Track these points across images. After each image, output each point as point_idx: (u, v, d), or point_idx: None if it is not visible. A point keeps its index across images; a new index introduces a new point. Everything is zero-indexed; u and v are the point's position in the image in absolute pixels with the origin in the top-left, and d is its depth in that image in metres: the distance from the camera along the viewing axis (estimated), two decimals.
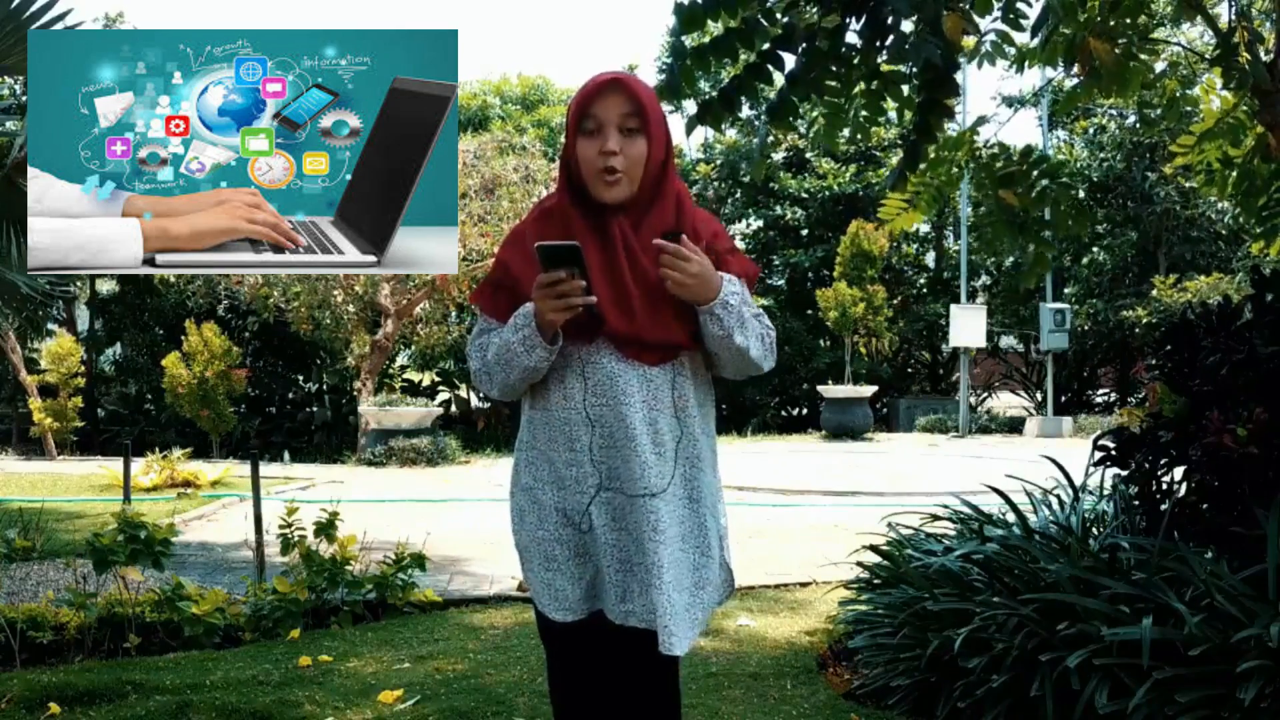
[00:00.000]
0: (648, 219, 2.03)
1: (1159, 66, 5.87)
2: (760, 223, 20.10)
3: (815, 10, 3.65)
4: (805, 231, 19.83)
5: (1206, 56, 4.41)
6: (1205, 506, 3.50)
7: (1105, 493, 4.10)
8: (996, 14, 3.76)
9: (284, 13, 73.44)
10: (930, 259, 20.91)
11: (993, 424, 17.40)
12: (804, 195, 19.25)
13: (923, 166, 4.51)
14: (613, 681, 2.12)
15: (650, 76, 23.08)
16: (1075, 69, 4.11)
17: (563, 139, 2.17)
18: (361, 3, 70.66)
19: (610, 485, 2.01)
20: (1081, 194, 17.10)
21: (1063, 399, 19.15)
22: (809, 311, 18.23)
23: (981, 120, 4.69)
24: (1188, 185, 16.59)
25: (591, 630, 2.07)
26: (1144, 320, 16.63)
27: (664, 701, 2.13)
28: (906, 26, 3.36)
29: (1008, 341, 20.67)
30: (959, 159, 4.57)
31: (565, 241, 1.93)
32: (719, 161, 20.02)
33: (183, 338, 14.19)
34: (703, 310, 2.00)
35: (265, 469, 10.11)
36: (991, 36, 3.98)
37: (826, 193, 18.97)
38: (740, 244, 21.31)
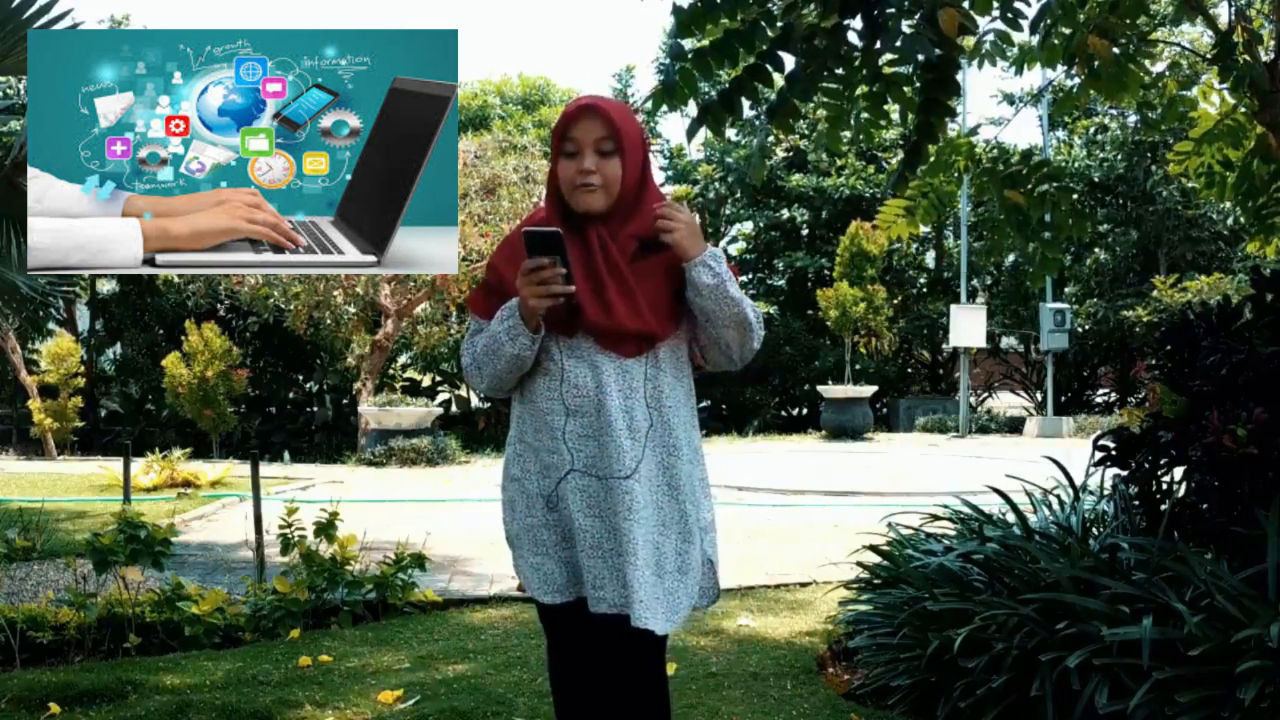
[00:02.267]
0: (626, 229, 2.17)
1: (1159, 67, 5.87)
2: (762, 223, 20.10)
3: (814, 11, 3.65)
4: (806, 233, 19.84)
5: (1206, 56, 4.41)
6: (1205, 506, 3.50)
7: (1105, 493, 4.10)
8: (995, 13, 3.75)
9: (284, 13, 73.45)
10: (930, 259, 20.92)
11: (993, 424, 17.41)
12: (812, 194, 19.23)
13: (922, 171, 4.51)
14: (605, 666, 2.21)
15: (648, 79, 23.08)
16: (1075, 69, 4.11)
17: None
18: (361, 2, 70.68)
19: (585, 470, 2.13)
20: (1077, 195, 17.11)
21: (1063, 399, 19.15)
22: (810, 312, 18.24)
23: (975, 130, 4.69)
24: (1189, 185, 16.58)
25: (583, 614, 2.17)
26: (1144, 320, 16.63)
27: (648, 685, 2.21)
28: (905, 26, 3.36)
29: (1008, 341, 20.68)
30: (958, 164, 4.56)
31: (549, 228, 2.07)
32: (720, 162, 20.02)
33: (183, 338, 14.19)
34: (695, 263, 2.12)
35: (265, 469, 10.11)
36: (991, 36, 3.98)
37: (842, 191, 18.93)
38: (741, 244, 21.34)
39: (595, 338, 2.13)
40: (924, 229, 20.03)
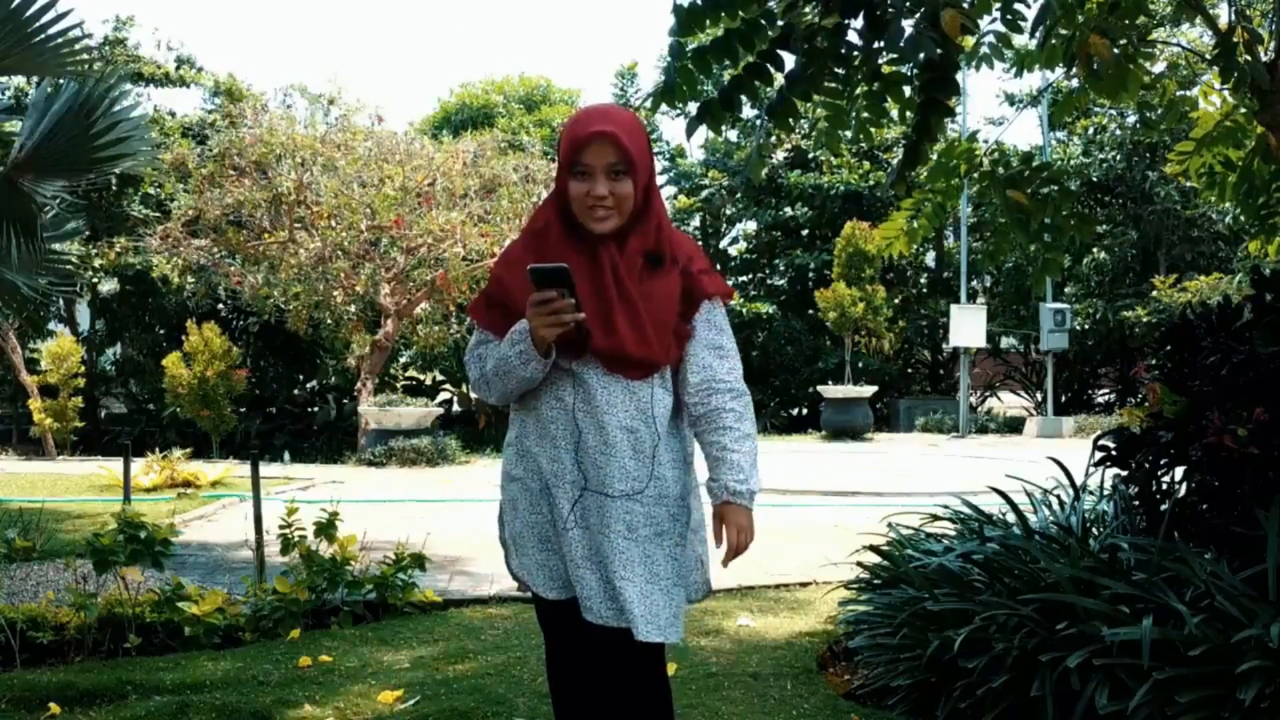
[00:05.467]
0: (630, 242, 2.18)
1: (1158, 68, 5.86)
2: (763, 223, 20.10)
3: (815, 10, 3.65)
4: (806, 232, 19.83)
5: (1206, 56, 4.41)
6: (1205, 506, 3.50)
7: (1105, 493, 4.10)
8: (995, 15, 3.76)
9: (284, 12, 73.48)
10: (930, 259, 20.93)
11: (992, 424, 17.41)
12: (811, 192, 19.23)
13: (923, 177, 4.51)
14: (604, 665, 2.23)
15: (650, 78, 23.09)
16: (1075, 69, 4.11)
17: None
18: (362, 3, 70.68)
19: (591, 487, 2.15)
20: (1073, 187, 17.12)
21: (1063, 399, 19.15)
22: (810, 311, 18.25)
23: (975, 135, 4.68)
24: (1188, 185, 16.60)
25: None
26: (1144, 320, 16.63)
27: (650, 688, 2.23)
28: (906, 25, 3.36)
29: (1008, 341, 20.70)
30: (959, 168, 4.56)
31: (555, 264, 2.07)
32: (721, 165, 20.03)
33: (183, 338, 14.19)
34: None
35: (265, 469, 10.11)
36: (990, 38, 3.98)
37: (839, 189, 18.94)
38: (742, 244, 21.35)
39: (603, 361, 2.15)
40: (923, 235, 20.04)
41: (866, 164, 19.34)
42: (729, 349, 2.24)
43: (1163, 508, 3.57)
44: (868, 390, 16.51)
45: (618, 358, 2.13)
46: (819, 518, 7.80)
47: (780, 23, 3.67)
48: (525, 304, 2.10)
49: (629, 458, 2.14)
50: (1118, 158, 18.22)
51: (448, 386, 19.64)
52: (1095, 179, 18.28)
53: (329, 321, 14.16)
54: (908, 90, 3.80)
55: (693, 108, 3.86)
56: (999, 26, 3.78)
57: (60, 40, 4.17)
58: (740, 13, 3.61)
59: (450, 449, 12.74)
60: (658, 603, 2.12)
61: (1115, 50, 3.88)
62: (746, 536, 2.18)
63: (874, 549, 4.13)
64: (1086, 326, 18.21)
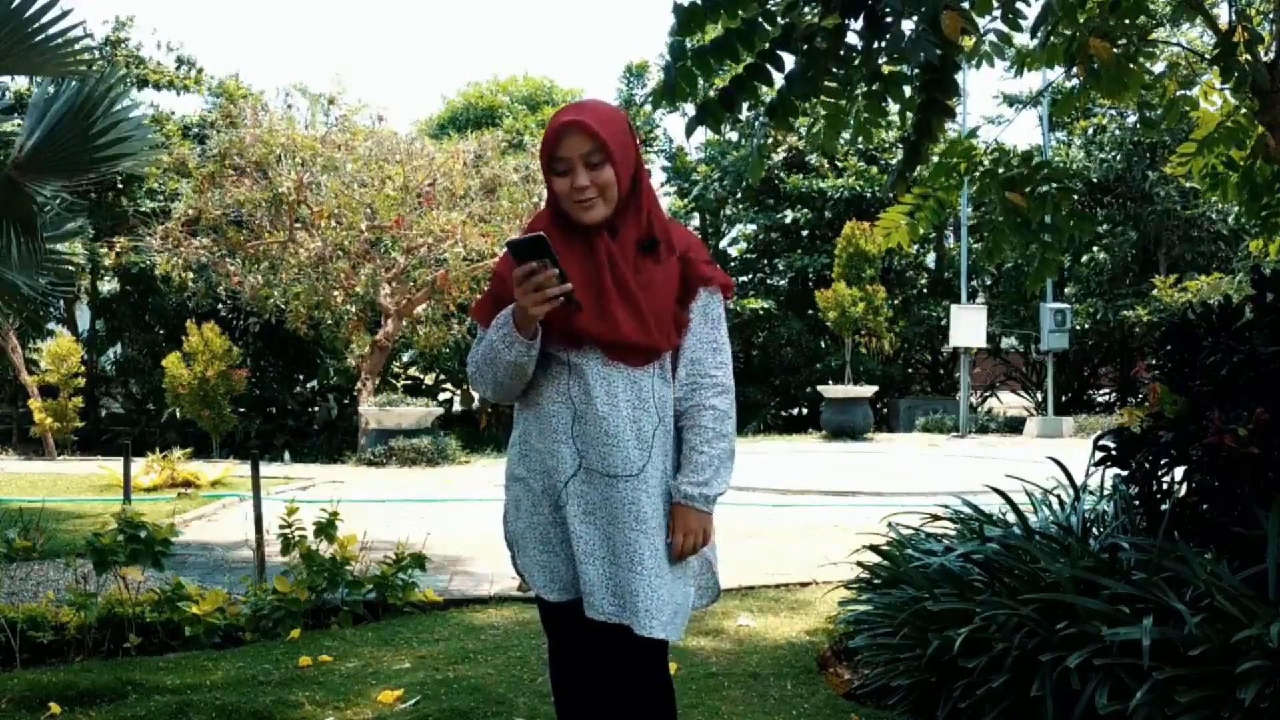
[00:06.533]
0: (624, 232, 2.18)
1: (1158, 68, 5.87)
2: (763, 223, 20.10)
3: (815, 10, 3.64)
4: (806, 233, 19.82)
5: (1206, 56, 4.41)
6: (1205, 506, 3.50)
7: (1105, 493, 4.10)
8: (995, 14, 3.75)
9: (285, 13, 73.51)
10: (930, 260, 20.93)
11: (993, 424, 17.41)
12: (813, 195, 19.23)
13: (923, 175, 4.50)
14: (606, 666, 2.22)
15: (653, 77, 23.14)
16: (1075, 70, 4.11)
17: None
18: (363, 5, 70.73)
19: (592, 467, 2.14)
20: (1077, 196, 17.13)
21: (1063, 399, 19.14)
22: (810, 312, 18.25)
23: (975, 133, 4.69)
24: (1188, 185, 16.60)
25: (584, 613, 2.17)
26: (1144, 320, 16.63)
27: (653, 695, 2.22)
28: (906, 26, 3.36)
29: (1008, 341, 20.70)
30: (959, 167, 4.56)
31: (531, 235, 2.06)
32: (719, 164, 20.02)
33: (183, 338, 14.19)
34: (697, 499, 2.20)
35: (265, 469, 10.11)
36: (990, 37, 3.97)
37: (841, 192, 18.93)
38: (742, 245, 21.34)
39: (602, 350, 2.14)
40: (923, 230, 20.05)
41: (874, 169, 19.32)
42: (722, 343, 2.25)
43: (1163, 508, 3.57)
44: (868, 390, 16.50)
45: (617, 345, 2.13)
46: (819, 518, 7.80)
47: (780, 23, 3.67)
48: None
49: (633, 447, 2.14)
50: (1118, 158, 18.22)
51: (448, 386, 19.64)
52: (1095, 179, 18.27)
53: (329, 321, 14.16)
54: (908, 91, 3.79)
55: (692, 108, 3.86)
56: (999, 25, 3.78)
57: (60, 40, 4.17)
58: (740, 13, 3.61)
59: (450, 449, 12.74)
60: (662, 597, 2.11)
61: (1115, 50, 3.87)
62: (694, 540, 2.18)
63: (874, 549, 4.13)
64: (1086, 326, 18.21)
